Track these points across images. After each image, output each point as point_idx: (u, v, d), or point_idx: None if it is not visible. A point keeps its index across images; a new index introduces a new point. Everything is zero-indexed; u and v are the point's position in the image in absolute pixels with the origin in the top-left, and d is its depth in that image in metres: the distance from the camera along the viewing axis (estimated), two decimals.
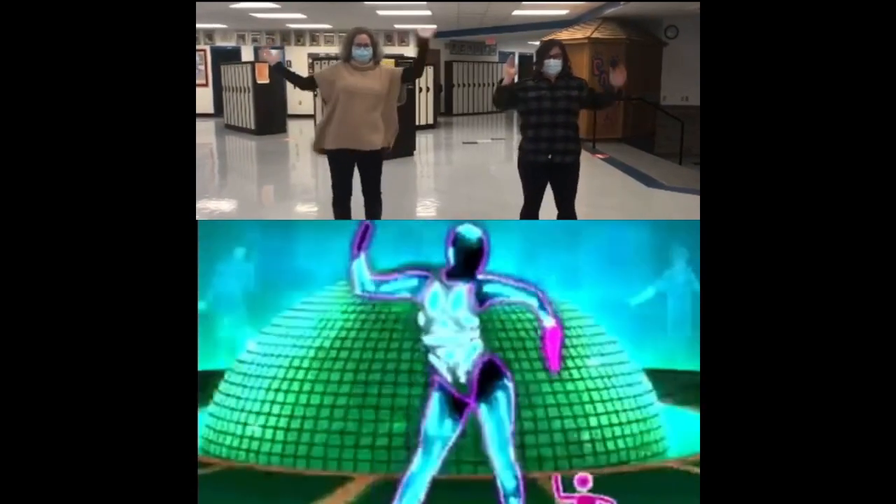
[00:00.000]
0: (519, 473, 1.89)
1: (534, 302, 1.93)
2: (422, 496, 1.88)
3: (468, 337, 1.90)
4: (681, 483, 2.39)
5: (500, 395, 1.89)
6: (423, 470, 1.88)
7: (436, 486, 1.88)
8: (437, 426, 1.89)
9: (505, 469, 1.88)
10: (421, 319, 1.93)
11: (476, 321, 1.91)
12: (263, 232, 3.57)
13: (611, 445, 2.65)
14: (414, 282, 1.95)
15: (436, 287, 1.93)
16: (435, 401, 1.90)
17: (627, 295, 3.36)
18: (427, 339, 1.92)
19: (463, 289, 1.92)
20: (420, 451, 1.89)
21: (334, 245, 3.24)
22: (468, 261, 1.93)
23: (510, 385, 1.90)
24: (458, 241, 1.93)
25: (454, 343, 1.90)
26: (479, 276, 1.94)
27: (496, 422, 1.88)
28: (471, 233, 1.94)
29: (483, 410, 1.88)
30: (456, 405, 1.89)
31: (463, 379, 1.88)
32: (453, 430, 1.89)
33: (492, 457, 1.89)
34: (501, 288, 1.93)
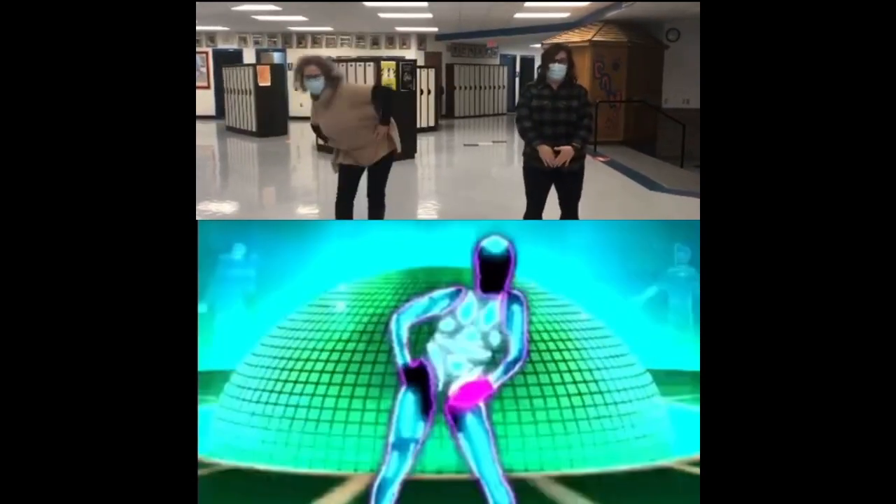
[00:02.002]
0: (510, 489, 1.90)
1: (511, 357, 1.93)
2: (396, 498, 1.89)
3: (487, 357, 1.91)
4: (681, 483, 2.39)
5: (471, 419, 1.90)
6: (398, 472, 1.88)
7: (420, 486, 1.89)
8: (411, 427, 1.90)
9: (496, 487, 1.89)
10: (450, 325, 1.93)
11: (499, 342, 1.92)
12: (263, 232, 3.57)
13: (613, 445, 2.65)
14: (445, 301, 1.95)
15: (470, 298, 1.94)
16: (407, 400, 1.90)
17: (627, 295, 3.36)
18: (447, 342, 1.92)
19: (496, 303, 1.93)
20: (394, 453, 1.89)
21: (335, 245, 3.25)
22: (496, 273, 1.94)
23: (482, 409, 1.91)
24: (483, 255, 1.94)
25: (471, 359, 1.91)
26: (514, 293, 1.95)
27: (478, 444, 1.89)
28: (496, 246, 1.94)
29: (462, 437, 1.90)
30: (425, 405, 1.90)
31: (450, 389, 1.90)
32: (423, 430, 1.90)
33: (481, 477, 1.90)
34: (516, 324, 1.94)
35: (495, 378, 1.91)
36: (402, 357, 1.90)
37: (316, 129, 4.28)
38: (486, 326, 1.92)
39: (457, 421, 1.90)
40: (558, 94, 3.85)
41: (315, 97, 4.06)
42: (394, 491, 1.88)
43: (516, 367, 1.92)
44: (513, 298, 1.94)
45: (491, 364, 1.92)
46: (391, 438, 1.90)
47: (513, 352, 1.92)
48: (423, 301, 1.94)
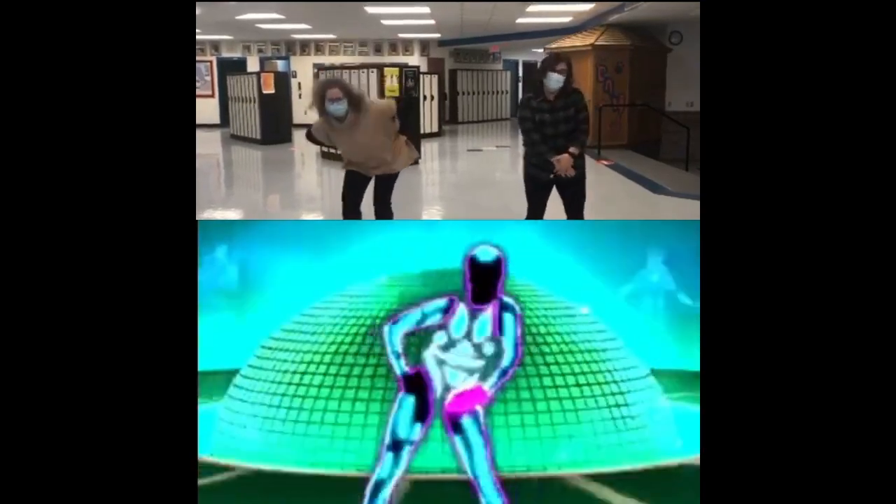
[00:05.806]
0: (504, 495, 1.91)
1: (505, 365, 1.95)
2: (389, 498, 1.90)
3: (481, 366, 1.93)
4: (681, 483, 2.38)
5: (469, 422, 1.91)
6: (392, 474, 1.89)
7: (418, 486, 1.90)
8: (406, 429, 1.91)
9: (490, 492, 1.91)
10: (442, 339, 1.95)
11: (493, 350, 1.93)
12: (264, 233, 3.58)
13: (613, 445, 2.64)
14: (437, 316, 1.96)
15: (461, 312, 1.95)
16: (404, 403, 1.92)
17: (625, 295, 3.35)
18: (441, 355, 1.93)
19: (488, 314, 1.94)
20: (389, 454, 1.90)
21: (336, 246, 3.25)
22: (487, 283, 1.95)
23: (480, 412, 1.93)
24: (474, 265, 1.95)
25: (466, 368, 1.92)
26: (505, 299, 1.96)
27: (473, 448, 1.91)
28: (486, 254, 1.95)
29: (458, 441, 1.91)
30: (423, 408, 1.91)
31: (447, 397, 1.91)
32: (418, 433, 1.92)
33: (475, 481, 1.91)
34: (508, 331, 1.95)
35: (490, 385, 1.94)
36: (400, 367, 1.94)
37: (311, 137, 4.22)
38: (479, 338, 1.94)
39: (454, 425, 1.91)
40: (556, 104, 3.84)
41: (338, 120, 3.90)
42: (387, 491, 1.89)
43: (509, 374, 1.96)
44: (504, 307, 1.96)
45: (485, 372, 1.95)
46: (387, 440, 1.91)
47: (506, 359, 1.95)
48: (416, 313, 1.96)
